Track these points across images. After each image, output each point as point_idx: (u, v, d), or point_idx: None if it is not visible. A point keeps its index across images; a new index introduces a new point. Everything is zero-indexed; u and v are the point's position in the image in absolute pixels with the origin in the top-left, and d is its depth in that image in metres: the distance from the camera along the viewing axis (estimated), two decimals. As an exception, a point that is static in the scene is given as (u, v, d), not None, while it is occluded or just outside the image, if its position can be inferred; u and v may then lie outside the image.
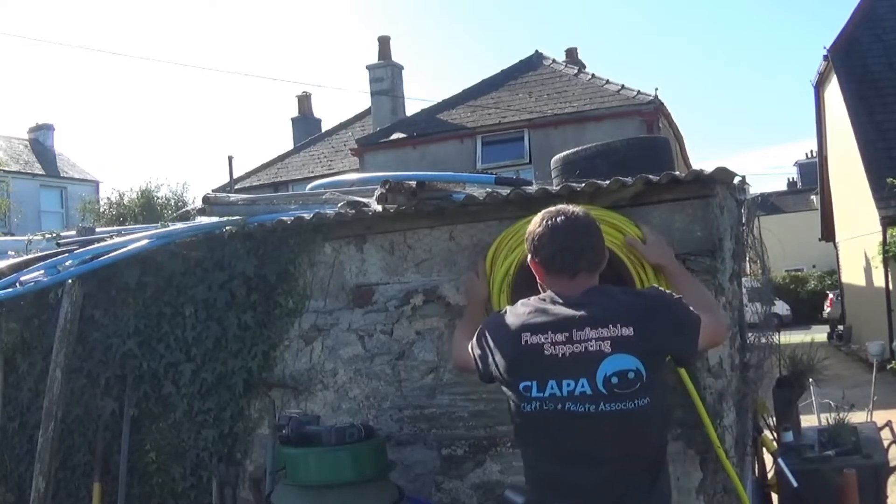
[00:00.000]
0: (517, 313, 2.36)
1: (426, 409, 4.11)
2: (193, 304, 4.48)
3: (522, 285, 3.87)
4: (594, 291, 2.28)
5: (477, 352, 2.47)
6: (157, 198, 21.38)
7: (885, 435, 4.45)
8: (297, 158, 21.59)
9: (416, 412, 4.13)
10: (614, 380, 2.12)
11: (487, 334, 2.42)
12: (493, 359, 2.35)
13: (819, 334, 18.77)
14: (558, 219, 2.30)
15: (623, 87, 14.46)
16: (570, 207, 2.37)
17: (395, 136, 15.53)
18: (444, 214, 4.06)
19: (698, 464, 3.51)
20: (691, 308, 2.33)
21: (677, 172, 3.72)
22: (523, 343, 2.24)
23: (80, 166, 26.99)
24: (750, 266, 4.55)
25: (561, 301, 2.27)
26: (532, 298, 2.38)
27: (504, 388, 2.33)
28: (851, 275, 18.45)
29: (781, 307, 24.90)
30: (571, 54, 19.26)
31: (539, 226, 2.34)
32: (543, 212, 2.38)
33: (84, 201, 22.33)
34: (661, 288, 2.45)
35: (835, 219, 19.57)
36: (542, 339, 2.21)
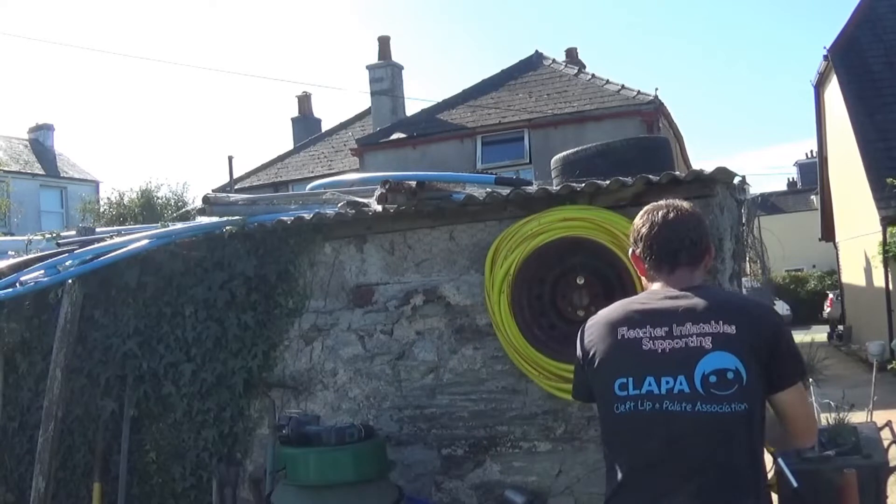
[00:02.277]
0: (613, 308, 2.23)
1: (426, 409, 4.12)
2: (193, 304, 4.48)
3: (522, 285, 3.89)
4: (696, 288, 2.15)
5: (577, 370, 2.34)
6: (157, 198, 21.33)
7: (885, 435, 4.44)
8: (297, 158, 21.56)
9: (416, 412, 4.13)
10: (712, 378, 2.00)
11: (580, 338, 2.27)
12: (586, 360, 2.23)
13: (819, 334, 18.77)
14: (660, 212, 2.22)
15: (623, 87, 14.43)
16: (675, 201, 2.26)
17: (395, 136, 15.50)
18: (444, 214, 4.06)
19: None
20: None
21: (677, 172, 3.73)
22: (619, 337, 2.12)
23: (80, 166, 26.96)
24: (750, 266, 4.56)
25: (660, 295, 2.15)
26: (633, 297, 2.27)
27: (596, 391, 2.19)
28: (851, 275, 18.43)
29: (781, 307, 24.81)
30: (571, 54, 19.21)
31: (641, 218, 2.26)
32: (649, 204, 2.30)
33: (84, 201, 22.27)
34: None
35: (835, 219, 19.54)
36: (641, 334, 2.09)
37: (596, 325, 2.22)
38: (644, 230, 2.21)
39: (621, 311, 2.18)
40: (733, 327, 2.02)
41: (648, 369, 2.06)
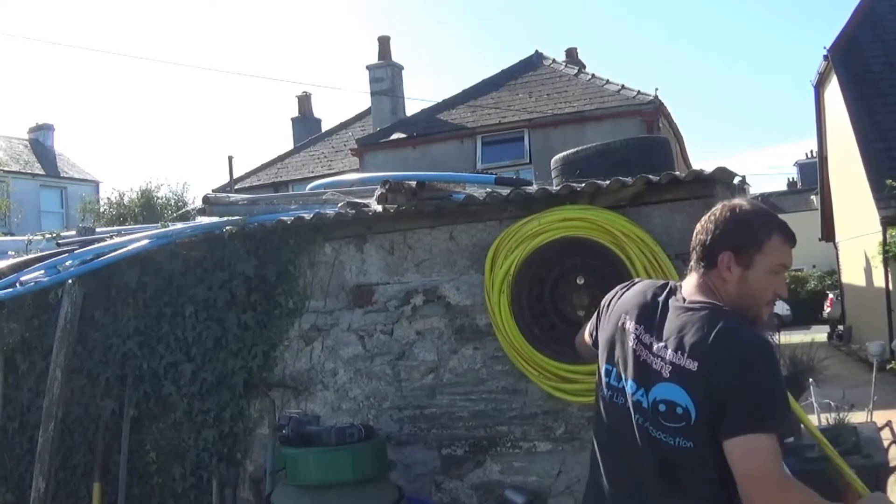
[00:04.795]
0: (638, 289, 2.16)
1: (426, 409, 4.12)
2: (193, 304, 4.48)
3: (522, 285, 3.89)
4: (694, 306, 2.00)
5: (597, 315, 2.30)
6: (157, 198, 21.34)
7: (885, 435, 4.44)
8: (297, 158, 21.55)
9: (416, 412, 4.13)
10: (661, 407, 1.94)
11: (613, 293, 2.25)
12: (598, 316, 2.25)
13: (819, 334, 18.73)
14: (713, 210, 2.08)
15: (623, 87, 14.42)
16: (735, 201, 2.08)
17: (395, 136, 15.50)
18: (444, 214, 4.06)
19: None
20: (780, 396, 1.90)
21: (677, 172, 3.73)
22: (620, 323, 2.10)
23: (80, 166, 26.94)
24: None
25: (671, 301, 2.06)
26: (661, 283, 2.16)
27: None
28: (851, 275, 18.42)
29: (781, 307, 24.82)
30: (571, 54, 19.20)
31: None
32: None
33: (84, 201, 22.26)
34: (765, 340, 2.00)
35: (835, 219, 19.54)
36: (634, 329, 2.05)
37: (621, 296, 2.19)
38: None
39: (639, 299, 2.12)
40: (696, 364, 1.89)
41: (627, 368, 2.05)
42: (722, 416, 1.86)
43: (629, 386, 2.03)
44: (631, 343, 2.04)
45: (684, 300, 2.04)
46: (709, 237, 2.04)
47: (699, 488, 1.94)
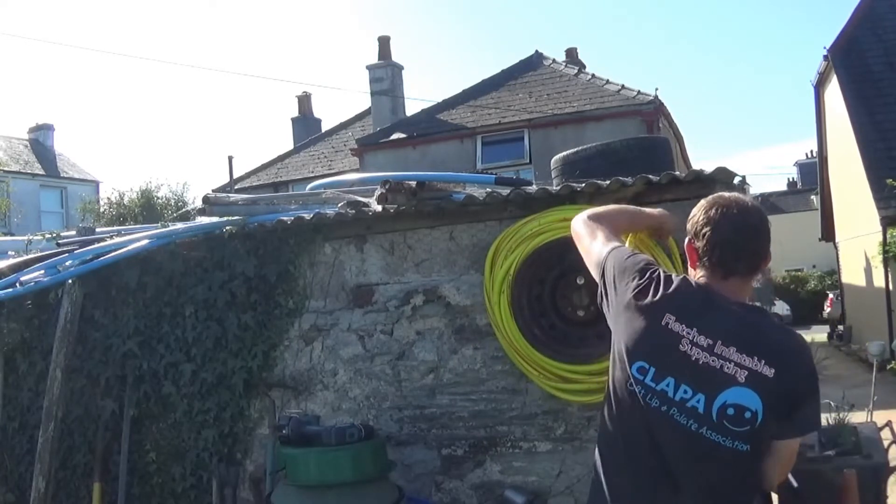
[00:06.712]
0: (670, 284, 2.06)
1: (426, 409, 4.12)
2: (193, 304, 4.48)
3: (522, 285, 3.89)
4: (752, 310, 2.03)
5: (605, 277, 2.21)
6: (157, 198, 21.37)
7: (885, 435, 4.44)
8: (297, 158, 21.56)
9: (416, 412, 4.13)
10: (730, 411, 1.93)
11: (625, 274, 2.13)
12: (615, 311, 2.13)
13: (819, 334, 18.78)
14: (729, 211, 2.04)
15: (623, 87, 14.43)
16: (745, 199, 2.09)
17: (395, 136, 15.50)
18: (444, 214, 4.06)
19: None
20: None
21: (677, 172, 3.73)
22: (663, 324, 2.01)
23: (80, 166, 26.95)
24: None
25: (718, 300, 2.02)
26: (695, 281, 2.09)
27: (614, 350, 2.11)
28: (851, 275, 18.42)
29: (781, 307, 24.87)
30: (571, 54, 19.19)
31: (704, 212, 2.08)
32: (716, 196, 2.12)
33: (84, 201, 22.27)
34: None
35: (835, 219, 19.55)
36: (684, 332, 1.98)
37: (644, 287, 2.08)
38: (707, 230, 2.05)
39: (683, 299, 2.04)
40: (772, 371, 1.93)
41: (674, 371, 1.98)
42: (789, 419, 1.98)
43: (680, 390, 1.97)
44: (684, 347, 1.98)
45: (733, 302, 2.04)
46: (758, 243, 2.06)
47: (738, 492, 2.03)
